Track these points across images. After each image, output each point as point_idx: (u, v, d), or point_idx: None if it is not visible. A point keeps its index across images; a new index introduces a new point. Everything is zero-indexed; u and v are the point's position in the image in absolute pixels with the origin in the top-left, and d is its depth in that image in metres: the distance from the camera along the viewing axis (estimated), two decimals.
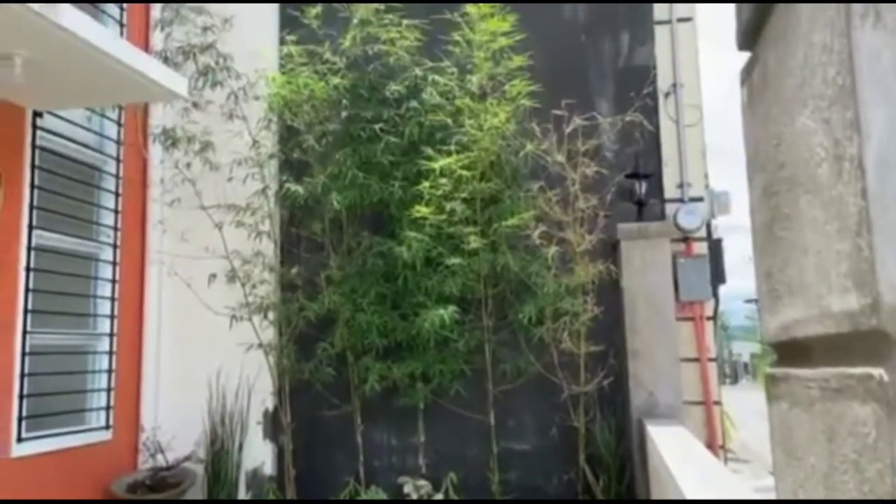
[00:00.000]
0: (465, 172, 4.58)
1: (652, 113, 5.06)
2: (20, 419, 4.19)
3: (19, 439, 4.17)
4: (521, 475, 4.84)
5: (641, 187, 4.92)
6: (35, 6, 3.17)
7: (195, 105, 5.08)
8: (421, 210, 4.56)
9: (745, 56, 0.87)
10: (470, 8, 4.76)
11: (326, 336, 4.86)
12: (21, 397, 4.20)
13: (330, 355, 4.84)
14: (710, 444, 4.67)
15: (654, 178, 5.02)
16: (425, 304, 4.67)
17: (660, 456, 3.32)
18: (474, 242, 4.57)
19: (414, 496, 4.63)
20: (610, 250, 4.89)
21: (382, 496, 4.71)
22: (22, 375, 4.23)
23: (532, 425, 4.94)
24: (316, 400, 5.04)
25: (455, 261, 4.59)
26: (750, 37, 0.80)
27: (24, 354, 4.25)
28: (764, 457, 10.31)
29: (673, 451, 3.34)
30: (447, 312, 4.48)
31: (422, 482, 4.72)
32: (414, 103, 4.85)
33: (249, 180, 5.08)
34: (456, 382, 4.83)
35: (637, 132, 5.00)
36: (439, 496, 4.65)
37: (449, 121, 4.77)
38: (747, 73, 0.84)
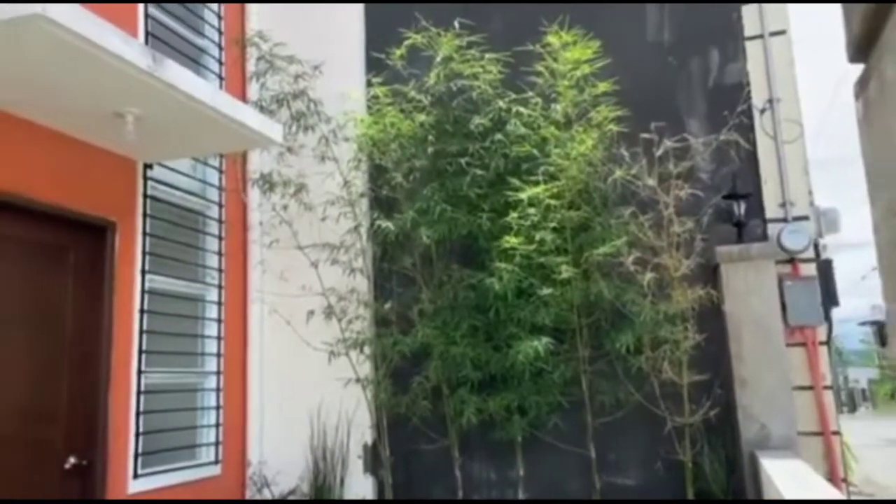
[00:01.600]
0: (553, 201, 4.55)
1: (748, 131, 4.88)
2: (136, 456, 4.40)
3: (135, 475, 4.38)
4: None
5: (740, 208, 4.73)
6: (144, 66, 3.41)
7: (289, 150, 5.30)
8: (510, 241, 4.54)
9: (857, 68, 0.82)
10: (552, 38, 4.77)
11: (421, 369, 4.89)
12: (137, 435, 4.43)
13: (425, 388, 4.86)
14: (832, 478, 4.36)
15: (754, 197, 4.82)
16: (518, 336, 4.63)
17: (777, 491, 3.12)
18: (566, 272, 4.51)
19: None
20: (710, 275, 4.71)
21: None
22: (137, 413, 4.46)
23: (635, 459, 4.77)
24: (414, 433, 5.06)
25: (547, 291, 4.54)
26: (863, 48, 0.76)
27: (139, 393, 4.49)
28: (892, 490, 9.53)
29: (791, 485, 3.14)
30: (541, 344, 4.42)
31: None
32: (499, 136, 4.87)
33: (342, 219, 5.23)
34: (553, 415, 4.74)
35: (732, 151, 4.84)
36: None
37: (535, 151, 4.76)
38: (862, 85, 0.79)
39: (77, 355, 4.15)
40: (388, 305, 5.22)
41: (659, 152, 4.68)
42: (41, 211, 3.93)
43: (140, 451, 4.43)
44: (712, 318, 4.59)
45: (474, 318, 4.89)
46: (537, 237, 4.55)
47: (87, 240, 4.29)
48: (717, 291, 4.57)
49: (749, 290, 4.51)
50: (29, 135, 3.87)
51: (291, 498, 5.08)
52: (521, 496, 4.86)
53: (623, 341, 4.47)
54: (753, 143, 4.90)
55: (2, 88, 3.51)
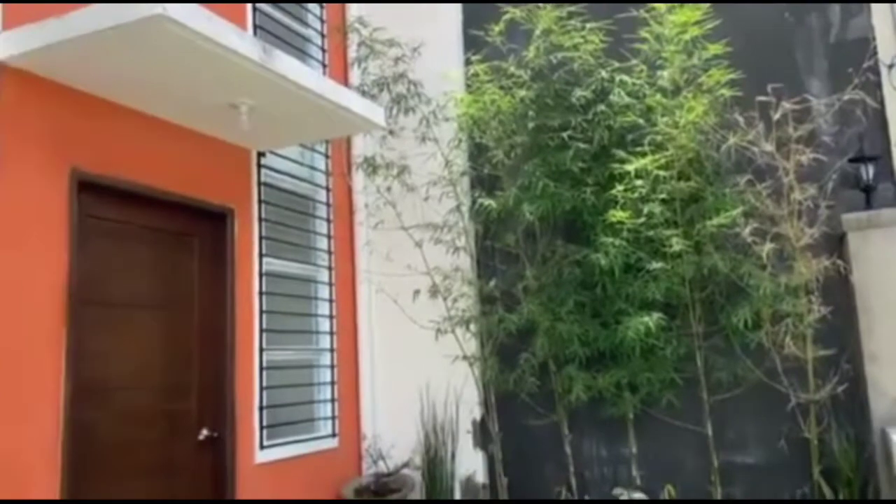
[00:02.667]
0: (661, 172, 4.41)
1: (874, 88, 4.54)
2: (261, 428, 4.66)
3: (261, 447, 4.64)
4: (748, 489, 4.53)
5: (868, 171, 4.42)
6: (256, 58, 3.55)
7: (391, 132, 5.39)
8: (616, 215, 4.45)
9: None
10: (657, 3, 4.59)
11: (527, 346, 4.89)
12: (261, 409, 4.69)
13: (532, 365, 4.86)
14: None
15: (883, 160, 4.49)
16: (627, 312, 4.54)
17: None
18: (677, 245, 4.37)
19: None
20: (835, 244, 4.44)
21: None
22: (261, 389, 4.71)
23: (756, 436, 4.60)
24: (522, 409, 5.09)
25: (657, 265, 4.42)
26: None
27: (261, 369, 4.74)
28: None
29: None
30: (652, 320, 4.32)
31: (638, 494, 4.58)
32: (602, 107, 4.75)
33: (444, 199, 5.27)
34: (666, 392, 4.64)
35: (858, 111, 4.52)
36: None
37: (640, 121, 4.62)
38: None
39: (206, 335, 4.42)
40: (492, 283, 5.25)
41: (777, 116, 4.42)
42: (170, 201, 4.18)
43: (264, 423, 4.68)
44: (839, 290, 4.34)
45: (580, 295, 4.83)
46: (645, 210, 4.43)
47: (210, 227, 4.54)
48: (843, 261, 4.30)
49: (879, 258, 4.22)
50: (155, 130, 4.12)
51: (406, 471, 5.23)
52: (634, 473, 4.81)
53: (740, 316, 4.30)
54: (881, 102, 4.56)
55: (128, 87, 3.74)
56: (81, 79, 3.60)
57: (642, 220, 4.41)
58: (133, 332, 3.97)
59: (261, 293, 4.81)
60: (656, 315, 4.34)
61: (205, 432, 4.31)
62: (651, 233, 4.44)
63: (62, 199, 3.55)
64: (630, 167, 4.42)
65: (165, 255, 4.27)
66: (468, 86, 5.36)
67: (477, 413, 5.34)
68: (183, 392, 4.25)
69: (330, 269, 5.58)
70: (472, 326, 5.18)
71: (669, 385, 4.63)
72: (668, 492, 4.56)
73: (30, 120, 3.44)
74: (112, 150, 3.86)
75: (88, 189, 3.70)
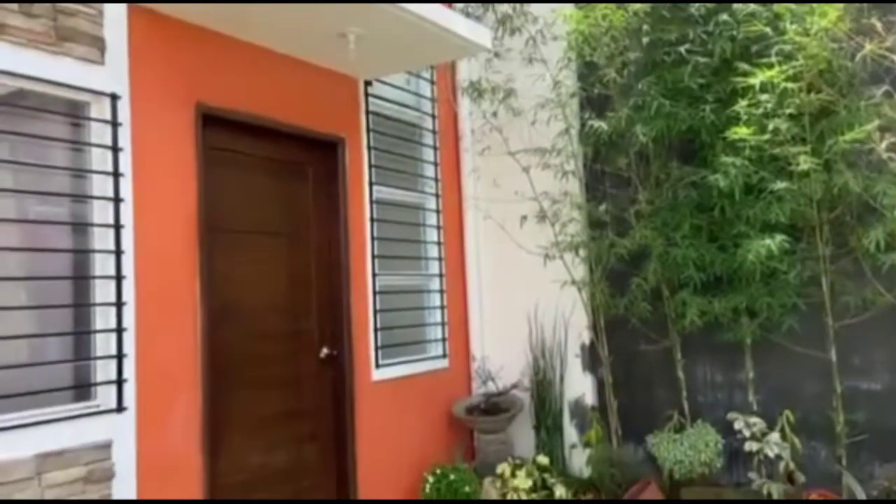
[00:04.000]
0: (789, 85, 4.10)
1: None
2: (376, 348, 4.88)
3: (377, 366, 4.87)
4: (872, 415, 4.35)
5: None
6: None
7: (496, 55, 5.29)
8: (738, 132, 4.20)
9: None
10: None
11: (639, 271, 4.80)
12: (375, 330, 4.90)
13: (644, 290, 4.78)
14: None
15: None
16: (747, 235, 4.35)
17: None
18: (804, 163, 4.10)
19: (746, 433, 4.42)
20: None
21: (710, 431, 4.58)
22: (375, 311, 4.91)
23: (884, 363, 4.38)
24: (632, 334, 5.05)
25: (781, 185, 4.17)
26: None
27: (374, 294, 4.93)
28: None
29: None
30: (774, 242, 4.12)
31: (753, 419, 4.49)
32: (724, 16, 4.44)
33: (552, 122, 5.16)
34: (788, 317, 4.46)
35: None
36: (774, 435, 4.39)
37: (767, 29, 4.28)
38: None
39: (322, 261, 4.62)
40: (601, 208, 5.15)
41: None
42: (285, 131, 4.33)
43: (379, 344, 4.90)
44: None
45: (696, 218, 4.66)
46: (770, 126, 4.16)
47: (322, 156, 4.68)
48: None
49: None
50: (270, 62, 4.23)
51: (515, 392, 5.36)
52: (750, 399, 4.71)
53: (872, 237, 4.02)
54: None
55: (245, 21, 3.84)
56: (201, 15, 3.72)
57: (767, 137, 4.16)
58: (256, 257, 4.21)
59: (371, 220, 4.95)
60: (779, 237, 4.13)
61: (325, 351, 4.57)
62: (776, 150, 4.18)
63: (189, 132, 3.74)
64: (754, 80, 4.14)
65: (282, 185, 4.45)
66: (577, 1, 5.14)
67: (586, 337, 5.36)
68: (304, 314, 4.50)
69: (437, 196, 5.64)
70: (581, 252, 5.14)
71: (791, 310, 4.45)
72: (787, 417, 4.44)
73: (157, 58, 3.61)
74: (231, 84, 4.01)
75: (211, 122, 3.88)
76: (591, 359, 5.35)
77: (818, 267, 4.37)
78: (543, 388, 5.38)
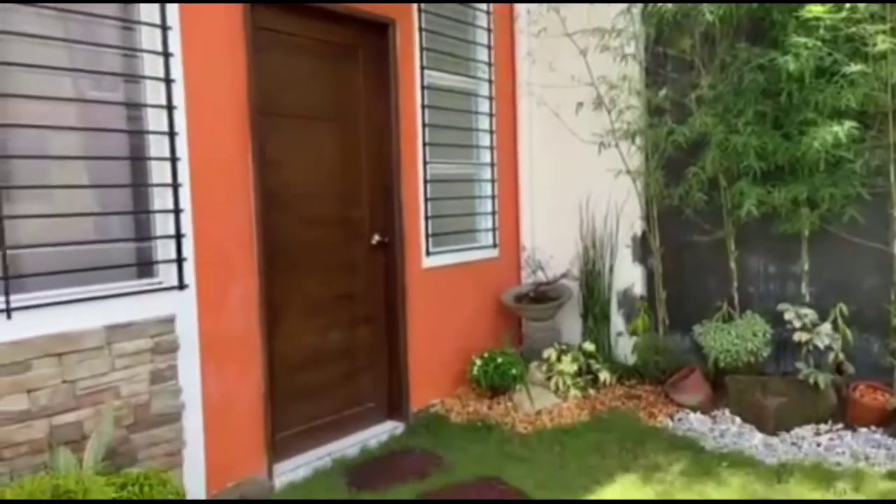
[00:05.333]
0: None
1: None
2: (427, 236, 4.93)
3: (427, 253, 4.94)
4: None
5: None
6: None
7: None
8: (813, 10, 3.92)
9: None
10: None
11: (696, 160, 4.65)
12: (426, 218, 4.93)
13: (701, 180, 4.64)
14: None
15: None
16: (814, 121, 4.14)
17: None
18: (882, 43, 3.81)
19: (796, 324, 4.39)
20: None
21: (759, 321, 4.56)
22: (425, 200, 4.93)
23: None
24: (686, 225, 4.96)
25: (855, 68, 3.91)
26: None
27: (425, 182, 4.93)
28: None
29: None
30: (843, 129, 3.91)
31: (805, 310, 4.44)
32: None
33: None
34: (850, 208, 4.29)
35: None
36: (826, 326, 4.34)
37: None
38: None
39: (373, 147, 4.62)
40: (661, 93, 4.94)
41: None
42: (334, 11, 4.22)
43: (430, 232, 4.95)
44: None
45: (761, 104, 4.44)
46: (848, 4, 3.86)
47: (372, 38, 4.57)
48: None
49: None
50: None
51: (564, 282, 5.39)
52: (803, 290, 4.63)
53: None
54: None
55: None
56: None
57: (843, 14, 3.86)
58: (307, 142, 4.22)
59: (422, 106, 4.88)
60: (848, 124, 3.92)
61: (376, 237, 4.64)
62: (852, 30, 3.90)
63: (237, 12, 3.68)
64: None
65: (333, 68, 4.39)
66: None
67: (638, 228, 5.30)
68: (355, 200, 4.55)
69: (490, 81, 5.50)
70: (638, 139, 4.99)
71: (854, 200, 4.28)
72: (840, 309, 4.37)
73: None
74: None
75: (260, 2, 3.81)
76: (641, 250, 5.31)
77: (887, 156, 4.16)
78: (592, 278, 5.40)
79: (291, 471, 3.94)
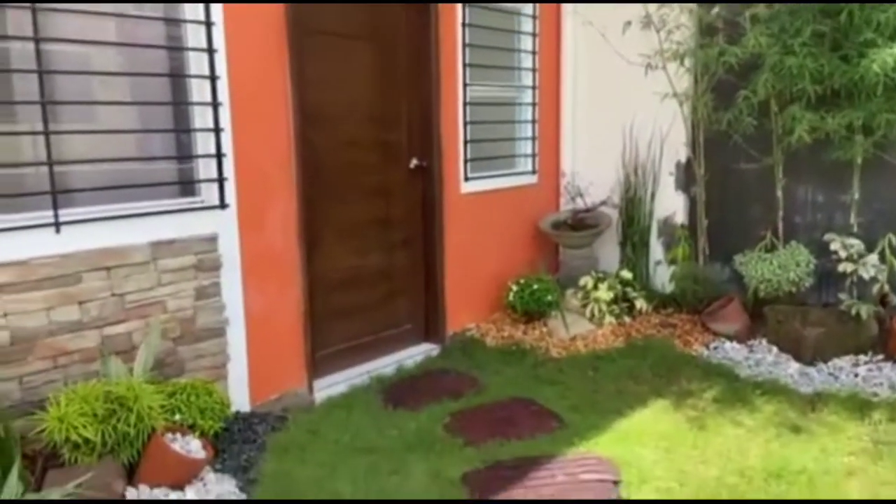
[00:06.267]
0: None
1: None
2: (465, 161, 4.89)
3: (465, 178, 4.91)
4: None
5: None
6: None
7: None
8: None
9: None
10: None
11: (748, 83, 4.46)
12: (465, 143, 4.88)
13: (751, 104, 4.46)
14: None
15: None
16: (874, 43, 3.92)
17: None
18: None
19: (842, 254, 4.28)
20: None
21: (803, 251, 4.46)
22: (464, 124, 4.86)
23: None
24: (732, 152, 4.82)
25: None
26: None
27: (464, 105, 4.85)
28: None
29: None
30: None
31: (852, 241, 4.32)
32: None
33: None
34: None
35: None
36: (873, 257, 4.23)
37: None
38: None
39: (412, 68, 4.53)
40: (714, 11, 4.72)
41: None
42: None
43: (468, 157, 4.90)
44: None
45: (819, 23, 4.21)
46: None
47: None
48: None
49: None
50: None
51: (603, 209, 5.33)
52: (852, 220, 4.49)
53: None
54: None
55: None
56: None
57: None
58: (346, 63, 4.16)
59: (463, 25, 4.75)
60: None
61: (414, 161, 4.62)
62: None
63: None
64: None
65: None
66: None
67: (682, 154, 5.16)
68: (394, 123, 4.51)
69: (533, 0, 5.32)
70: (687, 61, 4.80)
71: None
72: (889, 240, 4.25)
73: None
74: None
75: None
76: (685, 177, 5.19)
77: None
78: (633, 206, 5.32)
79: (330, 387, 4.08)
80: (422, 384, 4.21)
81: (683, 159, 5.16)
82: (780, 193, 4.71)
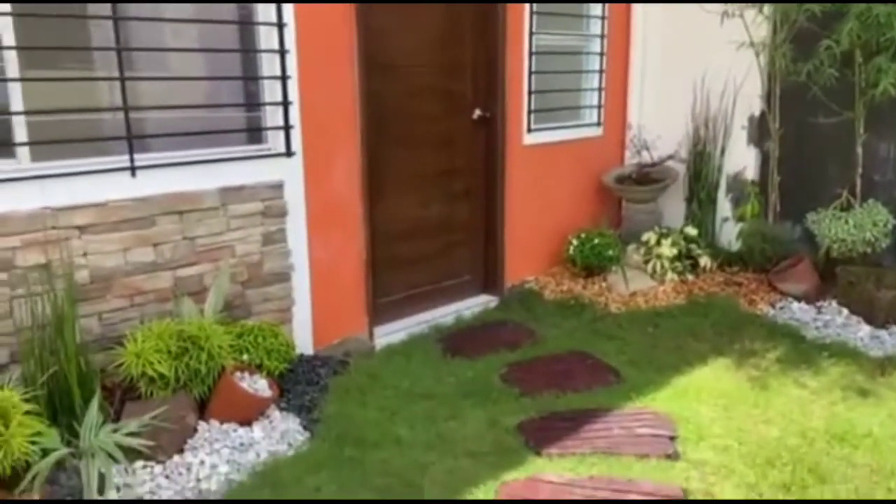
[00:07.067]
0: None
1: None
2: (529, 112, 4.82)
3: (529, 130, 4.84)
4: None
5: None
6: None
7: None
8: None
9: None
10: None
11: (831, 32, 4.22)
12: (529, 93, 4.80)
13: (833, 55, 4.23)
14: None
15: None
16: None
17: None
18: None
19: None
20: None
21: (882, 211, 4.27)
22: (529, 74, 4.77)
23: None
24: (810, 105, 4.59)
25: None
26: None
27: (530, 54, 4.75)
28: None
29: None
30: None
31: None
32: None
33: None
34: None
35: None
36: None
37: None
38: None
39: (478, 16, 4.45)
40: None
41: None
42: None
43: (532, 108, 4.83)
44: None
45: None
46: None
47: None
48: None
49: None
50: None
51: (670, 163, 5.19)
52: None
53: None
54: None
55: None
56: None
57: None
58: (412, 11, 4.11)
59: None
60: None
61: (478, 112, 4.58)
62: None
63: None
64: None
65: None
66: None
67: (756, 108, 4.96)
68: (458, 73, 4.46)
69: None
70: (766, 8, 4.56)
71: None
72: None
73: None
74: None
75: None
76: (758, 131, 4.99)
77: None
78: (701, 161, 5.17)
79: (389, 334, 4.17)
80: (479, 334, 4.25)
81: (757, 113, 4.96)
82: (859, 150, 4.48)
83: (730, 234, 5.11)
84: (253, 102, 3.51)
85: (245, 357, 3.16)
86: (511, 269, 4.82)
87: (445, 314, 4.46)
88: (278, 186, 3.53)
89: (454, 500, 2.34)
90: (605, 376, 3.61)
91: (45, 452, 2.45)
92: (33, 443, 2.41)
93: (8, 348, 2.75)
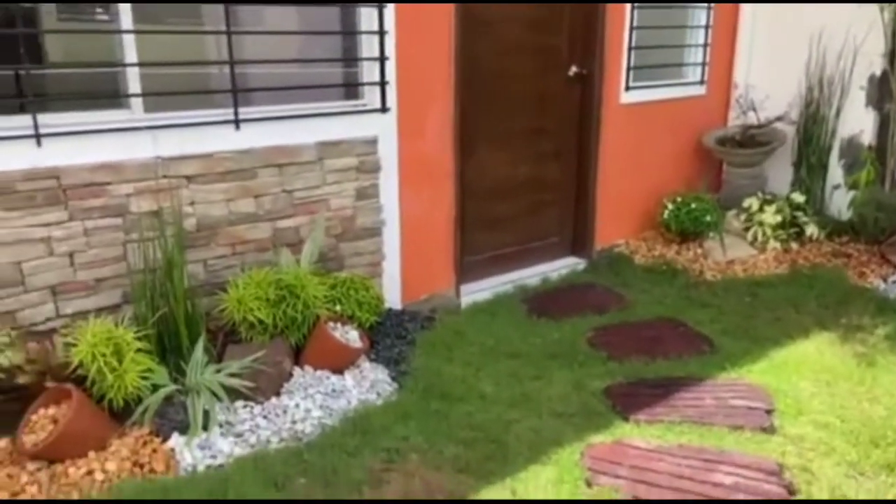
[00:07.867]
0: None
1: None
2: (628, 69, 4.64)
3: (627, 88, 4.67)
4: None
5: None
6: None
7: None
8: None
9: None
10: None
11: None
12: (629, 49, 4.61)
13: None
14: None
15: None
16: None
17: None
18: None
19: None
20: None
21: None
22: (630, 29, 4.58)
23: None
24: None
25: None
26: None
27: (632, 9, 4.56)
28: None
29: None
30: None
31: None
32: None
33: None
34: None
35: None
36: None
37: None
38: None
39: None
40: None
41: None
42: None
43: (632, 65, 4.65)
44: None
45: None
46: None
47: None
48: None
49: None
50: None
51: (778, 125, 4.91)
52: None
53: None
54: None
55: None
56: None
57: None
58: None
59: None
60: None
61: (574, 69, 4.45)
62: None
63: None
64: None
65: None
66: None
67: (877, 67, 4.60)
68: (555, 28, 4.34)
69: None
70: None
71: None
72: None
73: None
74: None
75: None
76: (878, 92, 4.64)
77: None
78: (813, 123, 4.86)
79: (476, 293, 4.18)
80: (566, 297, 4.21)
81: (878, 72, 4.60)
82: None
83: (840, 203, 4.81)
84: (350, 58, 3.54)
85: (338, 308, 3.25)
86: (601, 231, 4.72)
87: (532, 275, 4.44)
88: (373, 142, 3.57)
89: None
90: (697, 345, 3.51)
91: (154, 388, 2.62)
92: (144, 378, 2.58)
93: (121, 289, 2.93)
